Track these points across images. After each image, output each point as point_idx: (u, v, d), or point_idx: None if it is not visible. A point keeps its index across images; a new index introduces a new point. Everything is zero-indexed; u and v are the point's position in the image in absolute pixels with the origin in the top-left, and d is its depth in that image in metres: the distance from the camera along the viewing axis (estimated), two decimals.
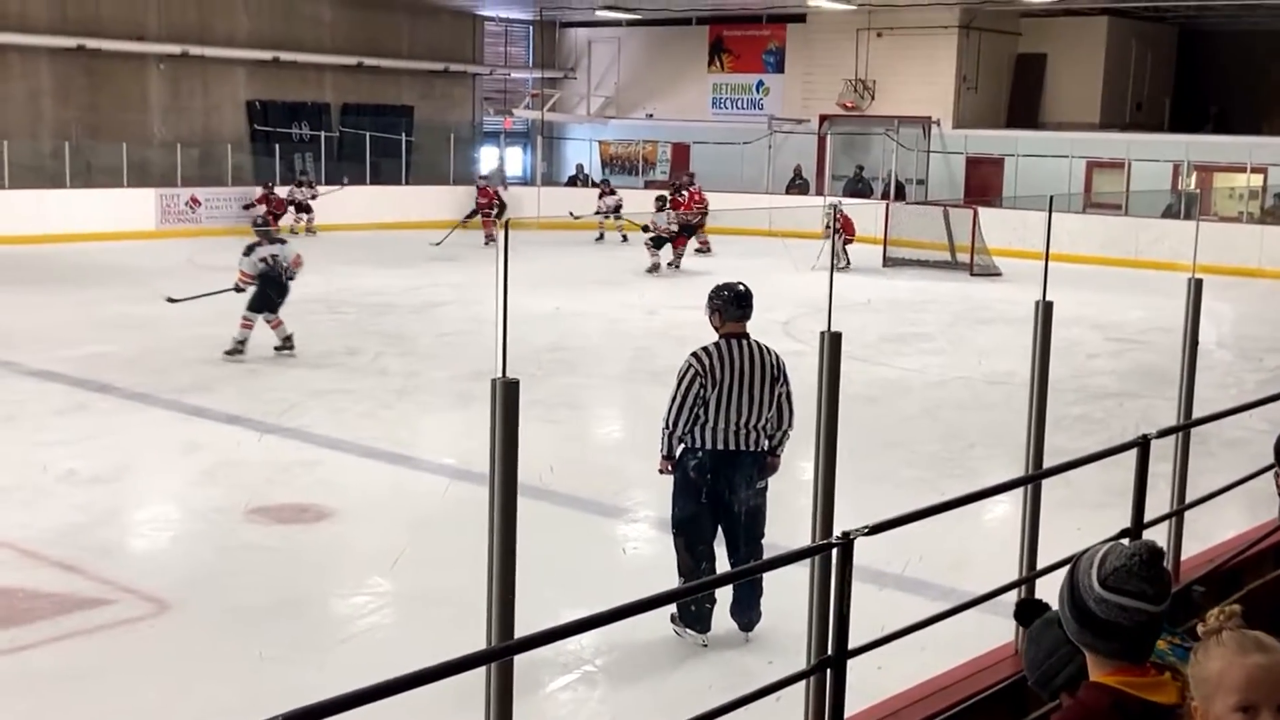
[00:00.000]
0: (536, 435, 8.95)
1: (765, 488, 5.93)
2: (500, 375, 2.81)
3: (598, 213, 24.98)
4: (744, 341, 5.89)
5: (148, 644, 5.85)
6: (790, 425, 5.91)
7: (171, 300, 13.16)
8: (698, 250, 22.93)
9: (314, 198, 24.37)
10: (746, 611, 5.89)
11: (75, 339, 13.21)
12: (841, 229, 20.50)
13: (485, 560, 2.86)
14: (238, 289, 12.38)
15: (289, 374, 11.84)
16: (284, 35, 27.76)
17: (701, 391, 5.76)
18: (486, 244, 23.41)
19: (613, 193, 25.56)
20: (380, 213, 25.06)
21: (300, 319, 14.63)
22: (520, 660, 2.92)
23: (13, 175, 22.82)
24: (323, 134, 28.03)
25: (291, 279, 12.44)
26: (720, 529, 5.94)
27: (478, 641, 2.87)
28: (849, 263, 20.64)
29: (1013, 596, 4.58)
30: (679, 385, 5.82)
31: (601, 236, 25.02)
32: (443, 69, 30.92)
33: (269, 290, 12.27)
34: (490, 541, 2.85)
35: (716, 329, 5.98)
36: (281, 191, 24.36)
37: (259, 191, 24.07)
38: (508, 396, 2.82)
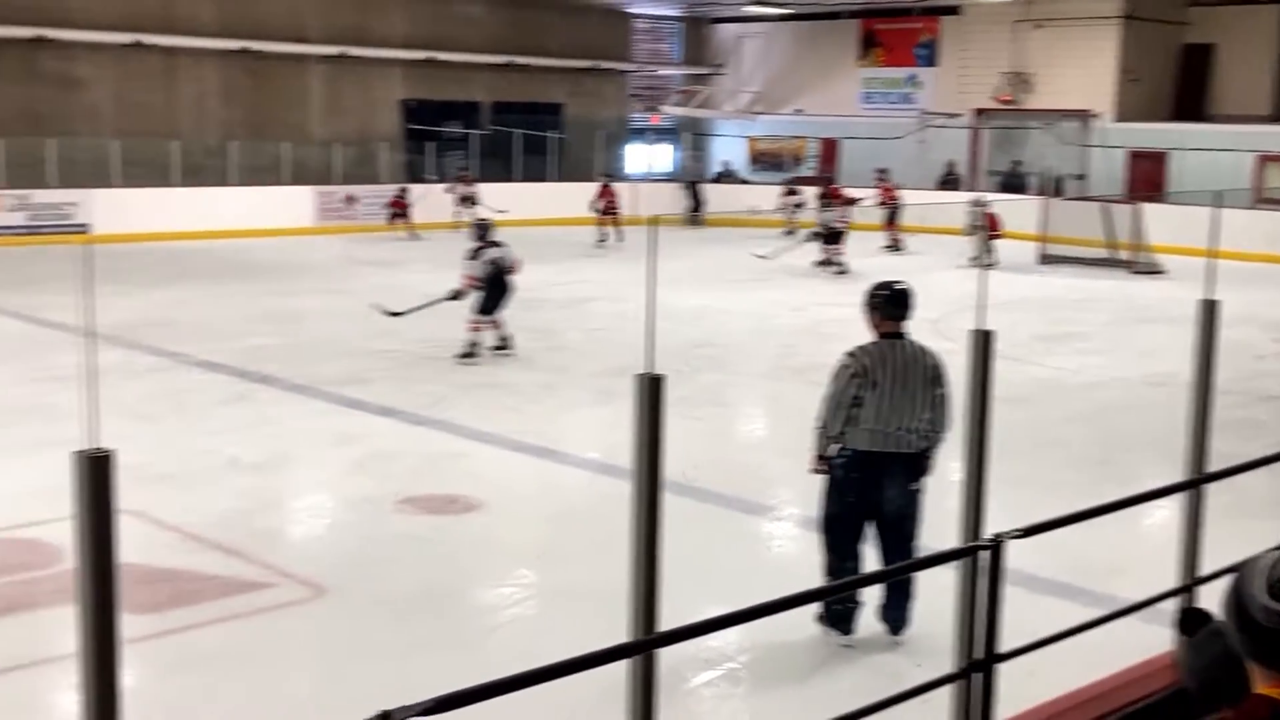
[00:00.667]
0: (681, 431, 9.00)
1: (919, 490, 5.83)
2: (646, 371, 2.82)
3: (780, 210, 24.88)
4: (902, 341, 5.80)
5: (304, 627, 6.03)
6: (946, 428, 5.79)
7: (393, 314, 12.71)
8: (886, 247, 22.64)
9: (474, 200, 24.43)
10: (895, 613, 5.81)
11: (238, 331, 13.67)
12: (987, 226, 20.10)
13: (628, 555, 2.88)
14: (455, 296, 12.25)
15: (439, 368, 12.07)
16: (438, 35, 28.31)
17: (857, 391, 5.68)
18: (599, 243, 22.93)
19: (794, 192, 25.36)
20: (529, 209, 25.36)
21: (452, 314, 14.91)
22: (663, 655, 2.92)
23: (182, 174, 23.73)
24: (474, 132, 28.51)
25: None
26: (871, 530, 5.87)
27: (621, 635, 2.89)
28: (995, 260, 20.21)
29: (1171, 605, 4.44)
30: (834, 384, 5.75)
31: (791, 233, 24.07)
32: (592, 66, 31.17)
33: (495, 292, 12.22)
34: (634, 536, 2.86)
35: (875, 328, 5.89)
36: (439, 188, 24.80)
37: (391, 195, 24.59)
38: (653, 392, 2.83)
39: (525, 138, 28.32)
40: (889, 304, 5.86)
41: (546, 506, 7.96)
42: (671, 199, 28.41)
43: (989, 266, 19.83)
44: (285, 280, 17.84)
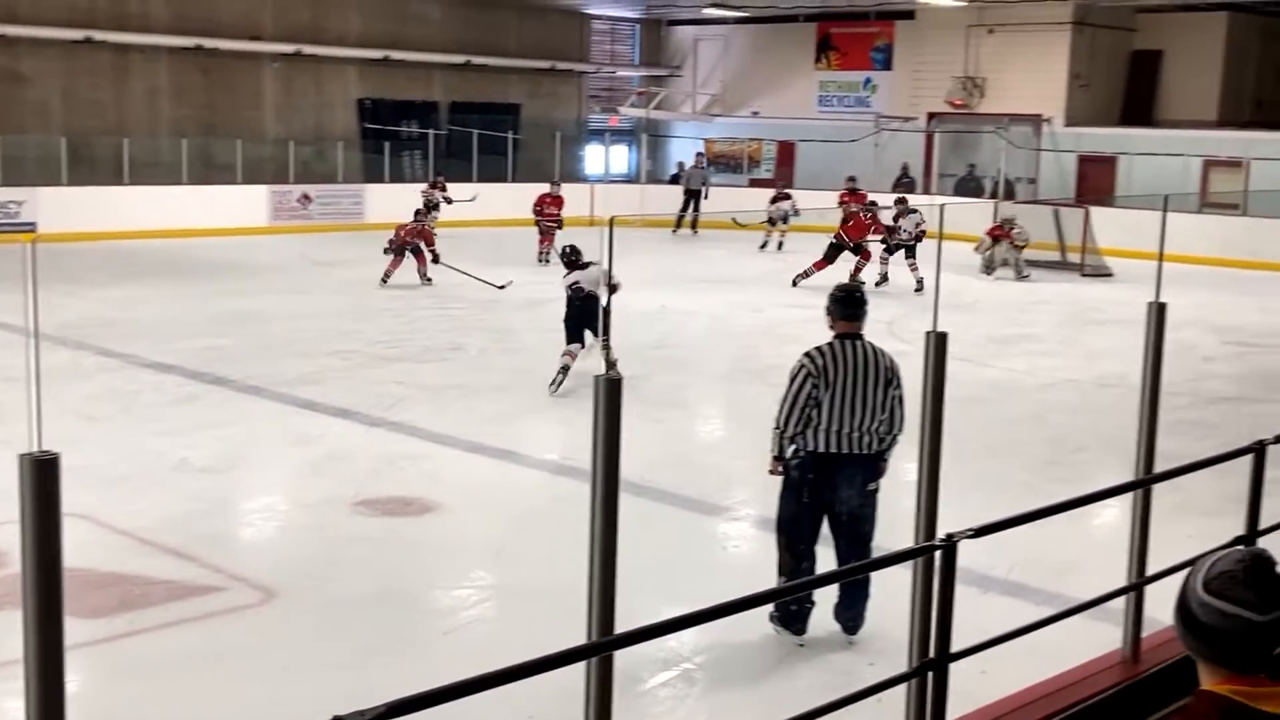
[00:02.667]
0: (639, 432, 8.98)
1: (875, 490, 5.87)
2: (604, 372, 2.82)
3: (770, 220, 22.77)
4: (857, 342, 5.83)
5: (256, 631, 5.97)
6: (900, 429, 5.83)
7: (554, 385, 10.86)
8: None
9: (448, 202, 23.58)
10: (850, 613, 5.84)
11: (191, 332, 13.53)
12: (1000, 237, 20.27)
13: (586, 556, 2.87)
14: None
15: (396, 369, 12.01)
16: (395, 34, 28.18)
17: (814, 392, 5.71)
18: (540, 261, 20.65)
19: (786, 197, 23.16)
20: (486, 210, 25.30)
21: (408, 314, 14.86)
22: (620, 656, 2.92)
23: (133, 172, 23.48)
24: (431, 132, 28.39)
25: (615, 292, 10.31)
26: (826, 530, 5.90)
27: (578, 636, 2.89)
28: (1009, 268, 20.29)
29: (1119, 604, 4.49)
30: (791, 385, 5.77)
31: (769, 245, 22.82)
32: (550, 67, 31.14)
33: (572, 319, 11.10)
34: (591, 537, 2.86)
35: (831, 328, 5.94)
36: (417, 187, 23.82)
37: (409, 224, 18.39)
38: (610, 393, 2.83)
39: (483, 138, 28.23)
40: (841, 304, 5.91)
41: (504, 508, 7.94)
42: (628, 201, 28.33)
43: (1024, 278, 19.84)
44: (239, 280, 17.69)
